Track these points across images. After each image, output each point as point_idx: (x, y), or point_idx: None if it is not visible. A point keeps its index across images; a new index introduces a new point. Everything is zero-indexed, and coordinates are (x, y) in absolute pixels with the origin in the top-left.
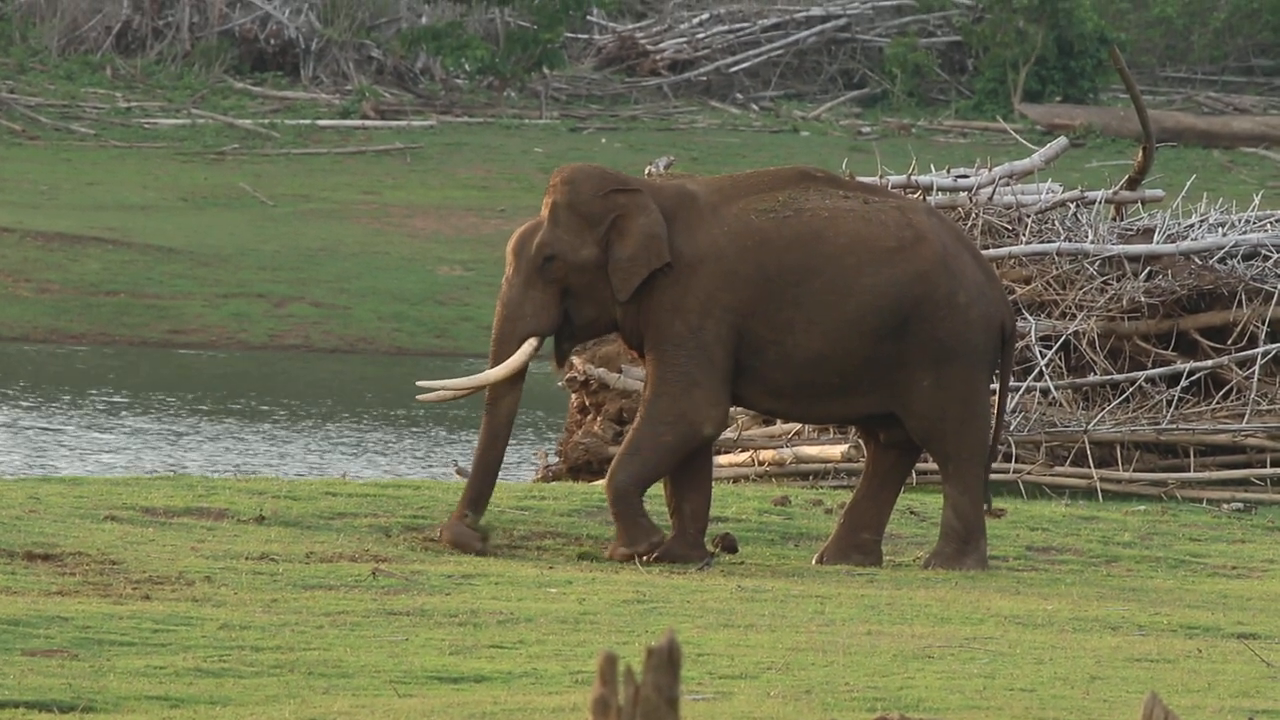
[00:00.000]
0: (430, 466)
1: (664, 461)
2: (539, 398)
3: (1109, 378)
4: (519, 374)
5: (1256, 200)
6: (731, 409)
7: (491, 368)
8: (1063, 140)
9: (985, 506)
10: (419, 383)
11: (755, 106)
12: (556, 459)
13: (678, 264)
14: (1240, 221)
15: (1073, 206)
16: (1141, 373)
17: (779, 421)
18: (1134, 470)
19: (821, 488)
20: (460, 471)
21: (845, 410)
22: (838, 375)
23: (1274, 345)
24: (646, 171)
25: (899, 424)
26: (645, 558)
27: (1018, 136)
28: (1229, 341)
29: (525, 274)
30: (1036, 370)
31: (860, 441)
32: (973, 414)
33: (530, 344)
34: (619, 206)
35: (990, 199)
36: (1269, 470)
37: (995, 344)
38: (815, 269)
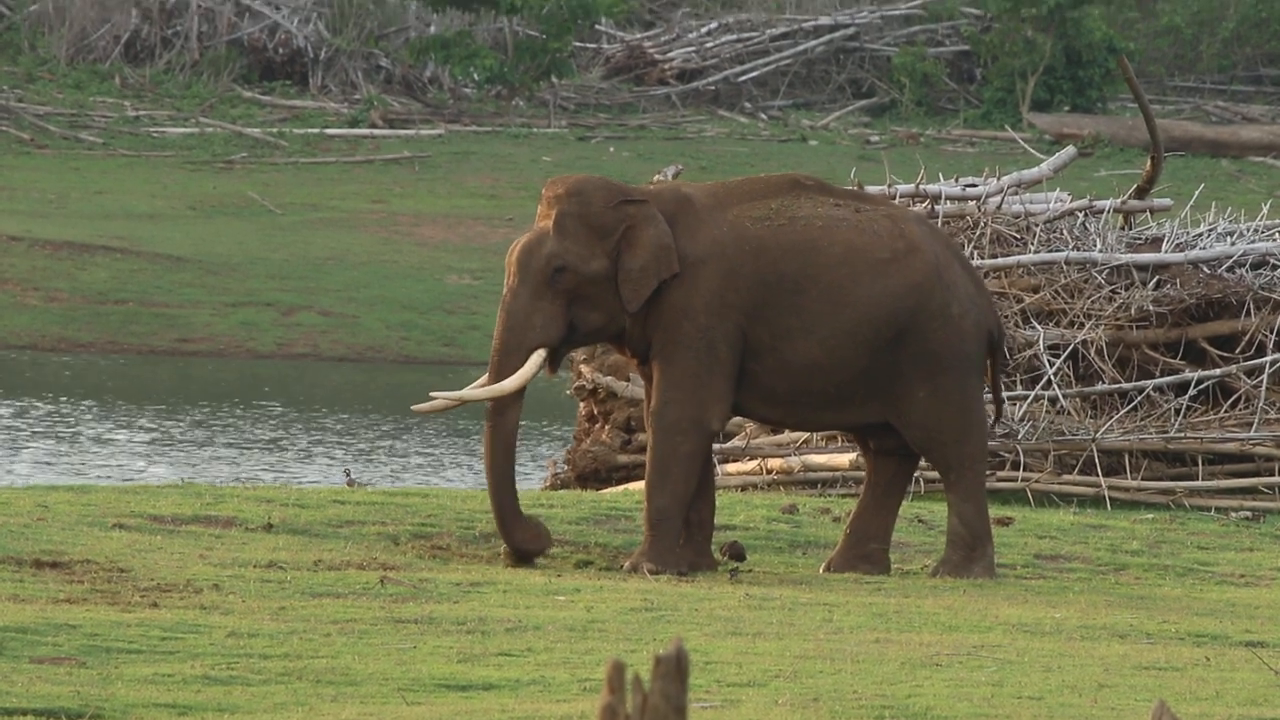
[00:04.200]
0: (441, 474)
1: (691, 471)
2: (548, 406)
3: (1117, 386)
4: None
5: (1265, 209)
6: (734, 418)
7: (493, 378)
8: (1071, 149)
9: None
10: (433, 393)
11: (764, 116)
12: (565, 467)
13: (682, 266)
14: (1248, 230)
15: (1081, 215)
16: (1150, 381)
17: (787, 430)
18: (1142, 479)
19: (829, 496)
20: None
21: (841, 420)
22: (834, 385)
23: None
24: (654, 180)
25: (891, 432)
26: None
27: (1026, 146)
28: (1237, 350)
29: (534, 285)
30: (1045, 379)
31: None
32: (970, 422)
33: (539, 355)
34: (629, 217)
35: (999, 208)
36: (1277, 479)
37: (985, 352)
38: (812, 278)
